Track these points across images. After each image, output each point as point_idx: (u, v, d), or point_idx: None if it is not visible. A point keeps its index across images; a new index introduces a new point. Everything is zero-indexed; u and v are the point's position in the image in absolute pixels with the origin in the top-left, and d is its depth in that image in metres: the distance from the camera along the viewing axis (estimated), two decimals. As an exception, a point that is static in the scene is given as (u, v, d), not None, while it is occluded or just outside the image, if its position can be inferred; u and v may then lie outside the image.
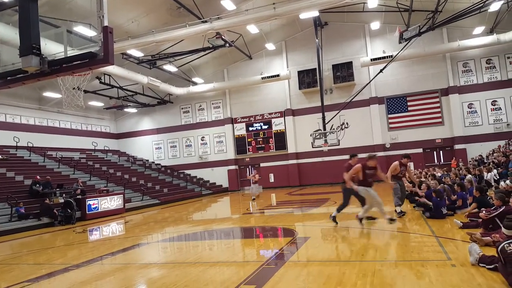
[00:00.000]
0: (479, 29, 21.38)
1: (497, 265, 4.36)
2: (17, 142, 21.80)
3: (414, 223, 8.87)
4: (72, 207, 14.88)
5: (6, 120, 22.52)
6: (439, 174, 15.23)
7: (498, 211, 6.13)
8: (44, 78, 4.73)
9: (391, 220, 8.22)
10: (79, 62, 4.52)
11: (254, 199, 18.47)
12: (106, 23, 4.38)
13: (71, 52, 4.90)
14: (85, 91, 21.41)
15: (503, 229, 4.41)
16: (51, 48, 5.29)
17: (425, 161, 23.68)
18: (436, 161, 23.86)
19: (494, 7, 17.68)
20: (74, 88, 5.65)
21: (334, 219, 8.99)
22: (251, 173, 18.82)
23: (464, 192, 9.40)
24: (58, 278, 6.20)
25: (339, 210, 9.10)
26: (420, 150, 24.05)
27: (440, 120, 23.77)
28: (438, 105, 23.79)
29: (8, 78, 4.99)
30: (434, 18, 19.01)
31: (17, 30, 5.48)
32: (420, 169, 20.51)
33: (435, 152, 24.13)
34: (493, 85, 22.91)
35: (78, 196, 15.91)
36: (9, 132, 22.16)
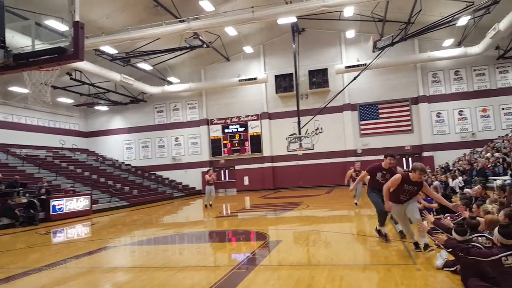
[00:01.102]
0: (448, 42, 22.28)
1: (458, 266, 4.53)
2: (-22, 138, 20.74)
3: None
4: (35, 208, 14.14)
5: (-33, 115, 21.40)
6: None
7: (460, 217, 6.36)
8: (8, 72, 4.51)
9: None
10: (47, 57, 4.34)
11: (207, 206, 16.33)
12: (77, 18, 4.23)
13: (40, 46, 4.70)
14: (54, 87, 20.65)
15: (454, 234, 4.57)
16: (19, 41, 5.05)
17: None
18: (405, 168, 24.51)
19: (462, 21, 18.54)
20: (41, 84, 5.42)
21: (381, 233, 7.18)
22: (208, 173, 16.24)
23: (429, 198, 9.68)
24: (17, 283, 5.89)
25: (381, 222, 7.19)
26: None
27: (409, 128, 24.54)
28: (408, 113, 24.56)
29: (-31, 70, 4.72)
30: (406, 29, 19.73)
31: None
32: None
33: (404, 159, 24.83)
34: (460, 95, 23.90)
35: (42, 196, 15.20)
36: (-30, 128, 21.08)
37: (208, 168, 21.44)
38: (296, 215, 12.75)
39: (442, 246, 5.28)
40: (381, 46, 19.87)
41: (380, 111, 24.98)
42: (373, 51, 20.64)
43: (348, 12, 18.81)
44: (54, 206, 15.34)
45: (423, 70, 24.41)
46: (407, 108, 24.57)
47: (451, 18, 17.16)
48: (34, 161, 21.19)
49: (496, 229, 3.86)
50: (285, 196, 18.96)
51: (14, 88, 22.30)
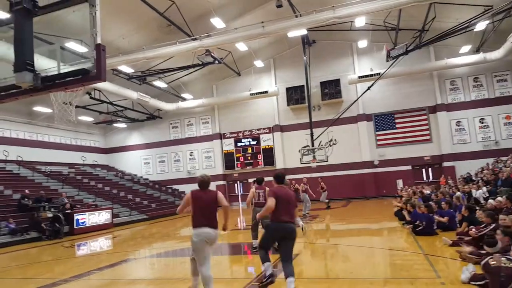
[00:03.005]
0: (465, 48, 21.80)
1: (487, 281, 4.41)
2: (6, 156, 21.53)
3: (403, 240, 8.93)
4: (60, 222, 14.68)
5: (-5, 134, 22.25)
6: (428, 192, 15.40)
7: (488, 229, 6.20)
8: (37, 94, 4.74)
9: None
10: (72, 78, 4.55)
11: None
12: (99, 41, 4.44)
13: (64, 68, 4.94)
14: (76, 106, 21.29)
15: (484, 247, 4.48)
16: (43, 63, 5.32)
17: (414, 179, 23.89)
18: (425, 179, 24.10)
19: (480, 26, 18.12)
20: (65, 103, 5.67)
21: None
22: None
23: (451, 210, 9.50)
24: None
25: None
26: (409, 167, 24.31)
27: (428, 137, 24.11)
28: (426, 122, 24.16)
29: (2, 93, 4.99)
30: (421, 37, 19.54)
31: (8, 46, 5.50)
32: (407, 186, 20.71)
33: (423, 169, 24.39)
34: (480, 103, 23.24)
35: (66, 211, 15.67)
36: (-2, 146, 21.88)
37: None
38: (312, 229, 12.67)
39: (467, 259, 5.22)
40: (395, 55, 19.75)
41: (397, 120, 24.68)
42: (387, 60, 20.51)
43: (360, 22, 18.84)
44: (77, 220, 15.79)
45: (440, 78, 24.08)
46: (425, 117, 24.19)
47: (468, 24, 16.86)
48: (58, 177, 21.78)
49: None
50: (299, 209, 18.72)
51: (38, 108, 23.15)
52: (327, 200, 19.14)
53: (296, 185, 16.49)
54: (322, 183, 18.86)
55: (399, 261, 6.76)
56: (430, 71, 23.63)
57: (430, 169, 24.21)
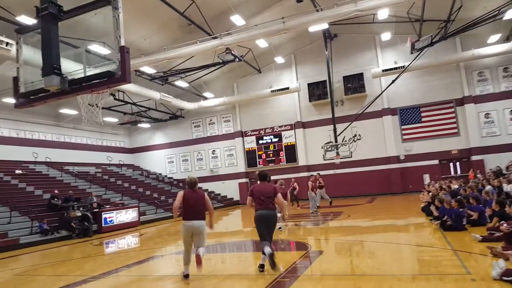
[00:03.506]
0: (494, 37, 20.97)
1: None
2: (35, 158, 22.32)
3: (431, 236, 8.73)
4: (89, 220, 15.15)
5: (25, 137, 23.10)
6: (456, 186, 14.95)
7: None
8: (65, 97, 4.90)
9: None
10: (98, 81, 4.67)
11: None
12: (123, 43, 4.53)
13: (89, 71, 5.07)
14: (101, 108, 21.90)
15: None
16: (68, 66, 5.48)
17: (441, 173, 23.27)
18: (452, 173, 23.43)
19: (510, 14, 17.40)
20: (92, 105, 5.83)
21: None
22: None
23: (480, 205, 9.21)
24: (76, 291, 6.30)
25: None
26: (436, 162, 23.69)
27: (455, 130, 23.40)
28: (453, 115, 23.45)
29: (31, 97, 5.18)
30: (446, 28, 18.93)
31: (35, 51, 5.70)
32: (434, 181, 20.18)
33: (451, 163, 23.71)
34: (511, 94, 22.40)
35: (94, 210, 16.15)
36: (28, 148, 22.70)
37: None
38: (337, 225, 12.55)
39: (499, 255, 5.04)
40: (420, 47, 19.25)
41: (423, 114, 24.06)
42: (411, 53, 20.03)
43: (383, 14, 18.41)
44: (105, 218, 16.25)
45: (467, 69, 23.28)
46: (452, 110, 23.47)
47: (497, 12, 16.26)
48: (86, 177, 22.45)
49: None
50: (324, 206, 18.62)
51: (64, 110, 23.91)
52: (328, 198, 17.87)
53: (295, 184, 17.20)
54: (320, 179, 17.64)
55: (427, 257, 6.60)
56: (457, 62, 22.88)
57: (458, 163, 23.52)
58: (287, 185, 16.05)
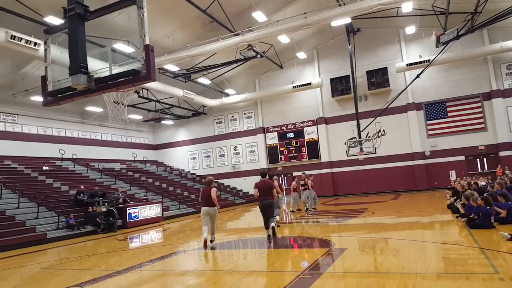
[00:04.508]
0: (524, 29, 20.25)
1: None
2: (62, 154, 23.02)
3: (457, 234, 8.52)
4: (114, 216, 15.50)
5: (52, 134, 23.91)
6: (483, 183, 14.51)
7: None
8: (91, 95, 5.03)
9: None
10: (123, 79, 4.77)
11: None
12: (147, 42, 4.61)
13: (114, 69, 5.19)
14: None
15: None
16: (94, 65, 5.63)
17: (467, 169, 22.63)
18: (479, 169, 22.73)
19: (540, 5, 16.68)
20: (117, 103, 5.97)
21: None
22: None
23: (509, 203, 8.91)
24: (102, 284, 6.49)
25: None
26: (462, 158, 23.03)
27: (482, 125, 22.67)
28: (480, 110, 22.71)
29: (59, 95, 5.34)
30: (473, 20, 18.32)
31: (62, 50, 5.87)
32: (460, 178, 19.64)
33: (478, 159, 22.99)
34: (541, 87, 21.51)
35: (119, 205, 16.54)
36: (55, 145, 23.48)
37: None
38: (360, 222, 12.40)
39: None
40: (445, 40, 18.70)
41: (449, 109, 23.40)
42: (437, 46, 19.50)
43: (407, 7, 18.02)
44: (130, 214, 16.62)
45: (495, 63, 22.45)
46: (479, 104, 22.73)
47: (526, 3, 15.65)
48: (111, 173, 23.04)
49: None
50: (347, 203, 18.50)
51: (90, 108, 24.60)
52: (307, 204, 16.12)
53: (294, 182, 16.05)
54: (307, 179, 16.13)
55: (453, 255, 6.45)
56: (484, 55, 22.14)
57: (485, 159, 22.79)
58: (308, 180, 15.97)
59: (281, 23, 17.42)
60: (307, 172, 19.20)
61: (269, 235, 9.26)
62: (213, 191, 8.95)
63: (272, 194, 9.43)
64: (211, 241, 9.24)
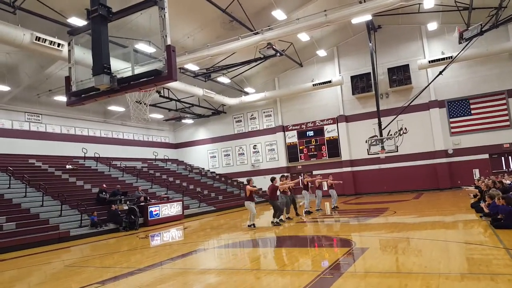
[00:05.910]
0: (551, 23, 19.46)
1: None
2: (85, 153, 23.61)
3: (481, 234, 8.30)
4: (135, 214, 15.76)
5: (75, 133, 24.55)
6: (508, 182, 14.04)
7: None
8: (114, 95, 5.14)
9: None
10: (145, 79, 4.85)
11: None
12: (169, 42, 4.68)
13: (136, 69, 5.29)
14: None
15: None
16: (116, 65, 5.75)
17: (492, 168, 21.96)
18: (504, 168, 22.01)
19: None
20: (139, 103, 6.09)
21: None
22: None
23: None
24: (123, 281, 6.61)
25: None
26: (486, 156, 22.37)
27: (507, 123, 21.93)
28: (505, 107, 21.97)
29: (82, 95, 5.48)
30: (497, 15, 17.75)
31: (85, 51, 6.02)
32: (484, 177, 19.06)
33: (503, 157, 22.27)
34: None
35: (141, 203, 16.82)
36: (78, 144, 24.08)
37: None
38: (382, 222, 12.23)
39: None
40: (469, 36, 18.14)
41: (472, 106, 22.76)
42: (460, 43, 18.94)
43: (429, 3, 17.61)
44: (151, 212, 16.87)
45: (520, 59, 21.72)
46: (504, 101, 21.99)
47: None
48: (132, 172, 23.45)
49: None
50: (369, 202, 18.23)
51: (112, 107, 25.13)
52: (305, 206, 15.72)
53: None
54: (305, 179, 15.91)
55: (477, 255, 6.29)
56: (509, 51, 21.43)
57: (510, 158, 22.07)
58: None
59: (301, 21, 17.31)
60: (327, 172, 19.06)
61: (281, 220, 12.95)
62: (247, 188, 12.31)
63: (272, 194, 12.65)
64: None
